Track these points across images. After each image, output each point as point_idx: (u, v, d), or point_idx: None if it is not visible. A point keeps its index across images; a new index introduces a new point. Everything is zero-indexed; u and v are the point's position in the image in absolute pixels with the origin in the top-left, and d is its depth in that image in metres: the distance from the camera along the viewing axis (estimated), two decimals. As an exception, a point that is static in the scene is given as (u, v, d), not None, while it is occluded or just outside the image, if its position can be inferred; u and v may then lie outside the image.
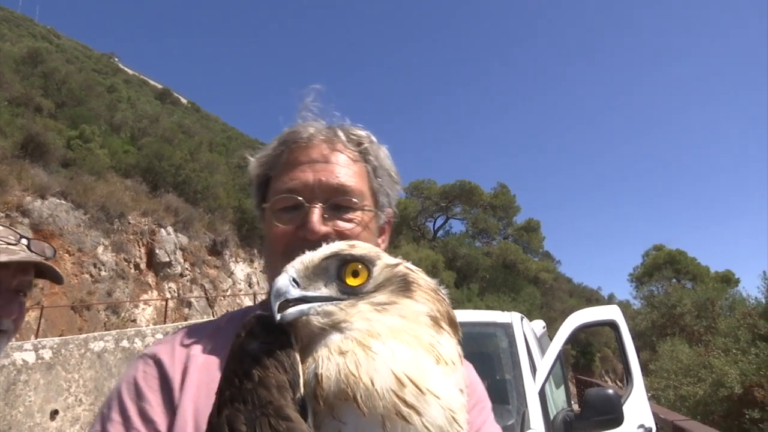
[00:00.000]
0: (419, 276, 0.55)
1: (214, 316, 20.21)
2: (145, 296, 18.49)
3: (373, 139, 0.89)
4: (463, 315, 3.90)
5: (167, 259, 19.91)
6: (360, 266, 0.52)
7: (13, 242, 1.22)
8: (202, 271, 21.28)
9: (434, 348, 0.49)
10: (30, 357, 9.27)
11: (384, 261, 0.54)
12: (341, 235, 0.79)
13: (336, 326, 0.48)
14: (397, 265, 0.55)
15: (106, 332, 11.72)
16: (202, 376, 0.80)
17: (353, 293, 0.50)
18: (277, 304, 0.50)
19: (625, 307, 31.04)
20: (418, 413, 0.44)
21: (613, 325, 3.47)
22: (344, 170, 0.83)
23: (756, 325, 9.33)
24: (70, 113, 22.82)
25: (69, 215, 16.85)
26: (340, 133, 0.86)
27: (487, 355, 3.05)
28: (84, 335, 11.00)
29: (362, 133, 0.88)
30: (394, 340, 0.47)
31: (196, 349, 0.84)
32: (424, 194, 36.27)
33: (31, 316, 14.28)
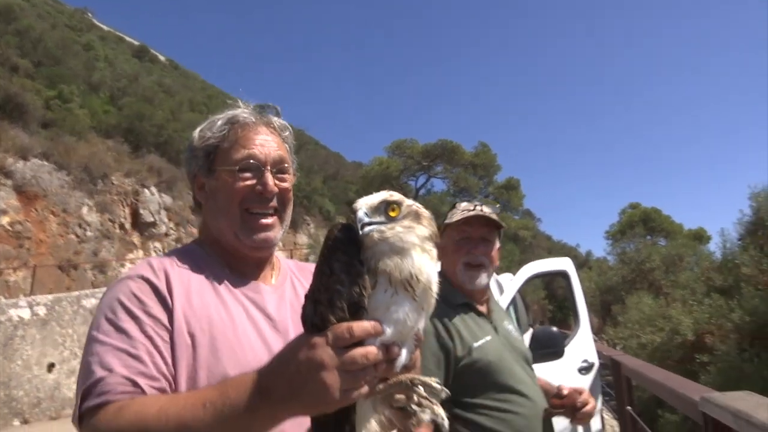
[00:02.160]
0: (423, 211, 0.91)
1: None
2: (130, 255, 18.75)
3: (289, 127, 1.26)
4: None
5: (152, 219, 20.11)
6: (395, 206, 0.87)
7: None
8: (186, 230, 21.50)
9: (431, 253, 0.86)
10: (25, 314, 9.63)
11: (407, 203, 0.90)
12: (282, 190, 1.16)
13: (384, 239, 0.84)
14: (412, 205, 0.90)
15: (98, 290, 12.06)
16: (179, 284, 1.05)
17: (392, 220, 0.86)
18: (360, 224, 0.83)
19: (601, 263, 31.92)
20: (431, 289, 0.85)
21: (564, 275, 3.94)
22: (279, 147, 1.19)
23: (712, 279, 10.02)
24: (47, 73, 22.48)
25: (52, 176, 16.93)
26: (274, 120, 1.21)
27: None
28: (76, 292, 11.35)
29: (285, 123, 1.24)
30: (418, 249, 0.85)
31: (168, 267, 1.08)
32: (406, 153, 36.45)
33: (19, 276, 14.53)
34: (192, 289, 1.06)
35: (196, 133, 1.18)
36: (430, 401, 0.84)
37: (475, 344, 1.77)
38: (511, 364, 1.80)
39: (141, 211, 19.72)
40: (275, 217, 1.16)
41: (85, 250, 17.20)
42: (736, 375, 7.85)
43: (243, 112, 1.18)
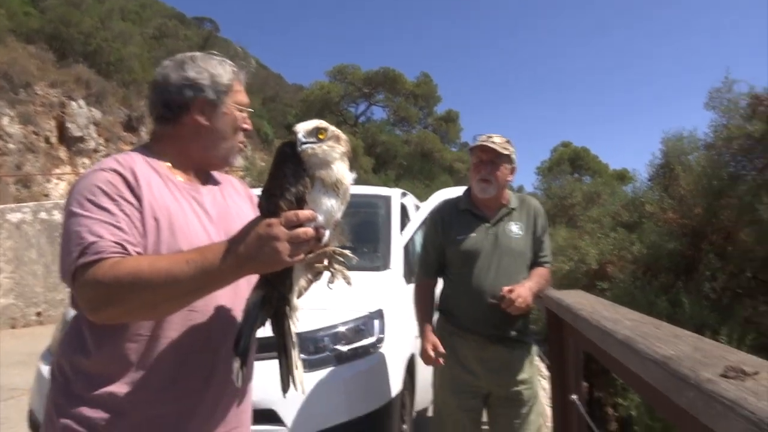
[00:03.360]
0: (342, 135, 1.21)
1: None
2: (57, 171, 18.07)
3: None
4: (358, 189, 4.68)
5: (80, 134, 19.27)
6: (323, 131, 1.17)
7: None
8: (117, 147, 20.76)
9: (347, 162, 1.18)
10: (-54, 224, 9.38)
11: (331, 129, 1.20)
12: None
13: (315, 154, 1.15)
14: (335, 131, 1.20)
15: (23, 204, 11.77)
16: (143, 178, 1.25)
17: (321, 141, 1.16)
18: (299, 143, 1.14)
19: (534, 197, 33.28)
20: (345, 184, 1.16)
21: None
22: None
23: (619, 214, 10.96)
24: (-44, -35, 20.45)
25: (-33, 82, 15.86)
26: (243, 77, 1.51)
27: (372, 221, 3.90)
28: (0, 206, 11.07)
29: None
30: (339, 162, 1.17)
31: (132, 163, 1.28)
32: (347, 79, 35.97)
33: (-64, 185, 13.87)
34: (152, 183, 1.27)
35: (218, 69, 1.40)
36: (342, 267, 1.20)
37: (458, 237, 2.52)
38: (487, 255, 2.48)
39: (68, 125, 18.84)
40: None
41: (6, 163, 16.45)
42: (628, 300, 8.81)
43: (235, 66, 1.46)
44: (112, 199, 1.18)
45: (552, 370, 2.22)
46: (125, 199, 1.20)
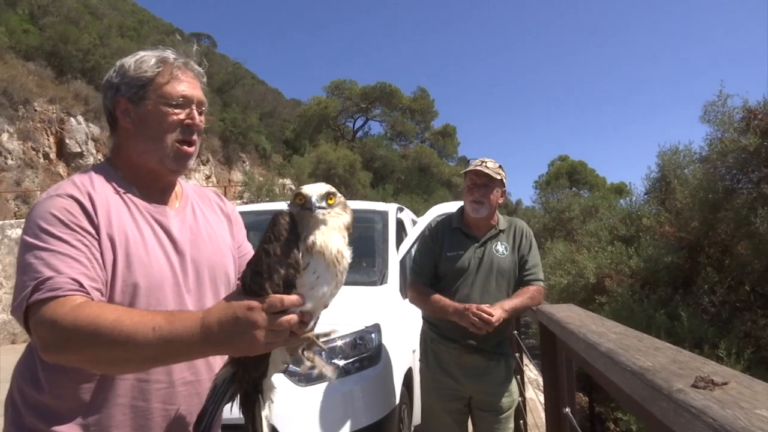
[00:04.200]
0: (346, 202, 1.14)
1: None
2: (56, 186, 18.07)
3: (205, 75, 1.43)
4: (355, 204, 4.73)
5: (78, 150, 19.37)
6: (333, 196, 1.09)
7: None
8: (116, 163, 20.79)
9: (345, 235, 1.11)
10: (-55, 241, 9.40)
11: (339, 196, 1.09)
12: (200, 126, 1.35)
13: (323, 221, 1.08)
14: (341, 197, 1.12)
15: (23, 220, 11.80)
16: (101, 204, 1.16)
17: (330, 207, 1.09)
18: (313, 207, 1.03)
19: (531, 211, 33.48)
20: (342, 261, 1.08)
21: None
22: (202, 91, 1.37)
23: (616, 228, 11.00)
24: (-42, -16, 20.68)
25: (-33, 99, 15.97)
26: (197, 68, 1.38)
27: (369, 236, 3.94)
28: (0, 222, 11.09)
29: (202, 71, 1.40)
30: (344, 232, 1.09)
31: (89, 187, 1.18)
32: (344, 94, 36.22)
33: (-65, 202, 13.91)
34: (111, 208, 1.17)
35: (130, 62, 1.27)
36: (320, 355, 1.14)
37: (449, 254, 2.67)
38: (472, 272, 2.63)
39: (67, 141, 18.95)
40: (194, 147, 1.31)
41: (6, 179, 16.52)
42: (627, 314, 8.82)
43: (172, 54, 1.31)
44: (70, 229, 1.10)
45: (545, 384, 2.25)
46: (83, 229, 1.11)
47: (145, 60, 1.27)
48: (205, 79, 1.39)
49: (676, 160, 10.89)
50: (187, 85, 1.29)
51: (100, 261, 1.11)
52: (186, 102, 1.27)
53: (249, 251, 1.46)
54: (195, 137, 1.30)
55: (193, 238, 1.29)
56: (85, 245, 1.09)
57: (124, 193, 1.22)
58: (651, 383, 0.86)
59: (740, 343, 7.85)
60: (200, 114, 1.32)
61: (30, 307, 1.02)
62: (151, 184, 1.29)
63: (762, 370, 7.83)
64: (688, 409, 0.72)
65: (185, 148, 1.28)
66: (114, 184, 1.23)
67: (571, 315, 1.87)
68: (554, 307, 2.07)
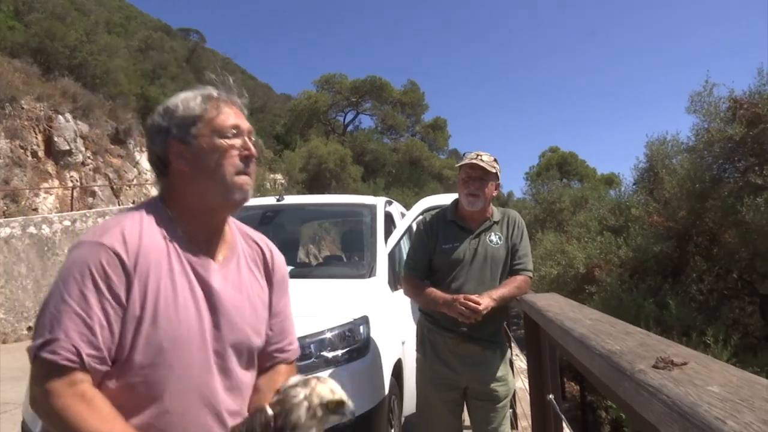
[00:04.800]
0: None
1: (120, 206, 19.83)
2: (45, 185, 18.02)
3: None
4: (344, 198, 4.79)
5: (67, 147, 19.23)
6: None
7: None
8: (105, 160, 20.74)
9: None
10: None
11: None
12: (256, 154, 1.32)
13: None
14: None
15: (12, 219, 11.74)
16: (144, 261, 1.13)
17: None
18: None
19: (522, 203, 33.68)
20: None
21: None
22: (248, 120, 1.34)
23: (606, 219, 11.13)
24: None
25: (-47, 97, 15.81)
26: (238, 100, 1.34)
27: (358, 229, 3.97)
28: (-12, 221, 11.03)
29: (245, 101, 1.38)
30: None
31: (137, 240, 1.15)
32: (335, 88, 36.17)
33: None
34: (151, 262, 1.15)
35: (176, 102, 1.26)
36: None
37: (444, 246, 2.70)
38: (467, 263, 2.67)
39: (55, 139, 18.81)
40: (253, 177, 1.27)
41: (-6, 178, 16.39)
42: (615, 303, 8.93)
43: (214, 90, 1.29)
44: (98, 289, 1.09)
45: (530, 371, 2.30)
46: (113, 291, 1.10)
47: (190, 99, 1.25)
48: (247, 112, 1.36)
49: (663, 150, 10.99)
50: (236, 115, 1.27)
51: (116, 326, 1.10)
52: (239, 132, 1.25)
53: (285, 317, 1.42)
54: (252, 167, 1.27)
55: (233, 295, 1.25)
56: (105, 310, 1.09)
57: (170, 240, 1.19)
58: (617, 365, 0.90)
59: (728, 330, 7.97)
60: (251, 139, 1.30)
61: (36, 357, 1.07)
62: (203, 227, 1.25)
63: (749, 356, 7.95)
64: (647, 388, 0.75)
65: (246, 178, 1.24)
66: (163, 229, 1.20)
67: (551, 303, 1.91)
68: (536, 296, 2.11)
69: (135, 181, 21.43)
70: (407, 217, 3.84)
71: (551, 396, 2.10)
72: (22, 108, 18.21)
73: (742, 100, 9.23)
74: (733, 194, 8.90)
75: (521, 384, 4.36)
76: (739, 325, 8.74)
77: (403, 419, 3.60)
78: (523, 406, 4.32)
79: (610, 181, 33.22)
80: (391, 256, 3.73)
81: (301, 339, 2.77)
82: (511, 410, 3.78)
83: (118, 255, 1.11)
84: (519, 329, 7.99)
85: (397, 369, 3.35)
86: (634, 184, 12.05)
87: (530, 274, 2.76)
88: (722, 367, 0.80)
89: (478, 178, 2.68)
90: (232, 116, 1.25)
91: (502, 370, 2.71)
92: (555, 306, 1.71)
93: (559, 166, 34.05)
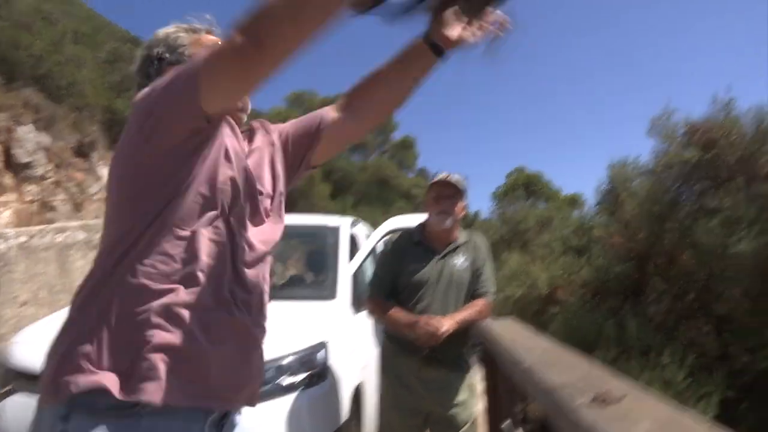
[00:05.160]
0: None
1: (81, 221, 19.36)
2: (2, 198, 17.48)
3: None
4: (308, 219, 4.75)
5: (28, 160, 18.73)
6: None
7: None
8: (67, 173, 20.23)
9: None
10: None
11: None
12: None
13: None
14: None
15: (-35, 232, 11.32)
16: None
17: None
18: None
19: (488, 223, 33.93)
20: None
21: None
22: None
23: (569, 239, 11.30)
24: None
25: None
26: (218, 30, 1.41)
27: (321, 250, 3.96)
28: (-60, 234, 10.61)
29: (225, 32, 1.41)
30: None
31: None
32: (305, 105, 36.15)
33: None
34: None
35: (167, 32, 1.36)
36: None
37: (410, 268, 2.71)
38: (432, 284, 2.67)
39: (15, 151, 18.31)
40: None
41: (-52, 190, 15.82)
42: (577, 323, 9.04)
43: (196, 23, 1.40)
44: None
45: (487, 396, 2.31)
46: None
47: (177, 29, 1.35)
48: None
49: (624, 172, 11.24)
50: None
51: None
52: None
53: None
54: None
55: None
56: None
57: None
58: (557, 402, 0.91)
59: (685, 350, 8.13)
60: None
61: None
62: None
63: (704, 375, 8.13)
64: (582, 425, 0.77)
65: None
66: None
67: (505, 331, 1.93)
68: (493, 323, 2.13)
69: (97, 196, 20.93)
70: (371, 239, 3.85)
71: (508, 422, 2.11)
72: (-19, 118, 17.70)
73: (698, 124, 9.55)
74: (690, 216, 9.15)
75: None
76: (695, 346, 8.92)
77: (363, 443, 3.57)
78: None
79: (575, 201, 33.85)
80: (354, 277, 3.73)
81: (260, 363, 2.77)
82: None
83: None
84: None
85: (357, 394, 3.33)
86: (596, 205, 12.29)
87: (492, 296, 2.80)
88: (655, 403, 0.83)
89: (449, 196, 2.74)
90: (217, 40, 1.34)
91: (463, 395, 2.69)
92: (509, 334, 1.73)
93: (525, 186, 34.52)
